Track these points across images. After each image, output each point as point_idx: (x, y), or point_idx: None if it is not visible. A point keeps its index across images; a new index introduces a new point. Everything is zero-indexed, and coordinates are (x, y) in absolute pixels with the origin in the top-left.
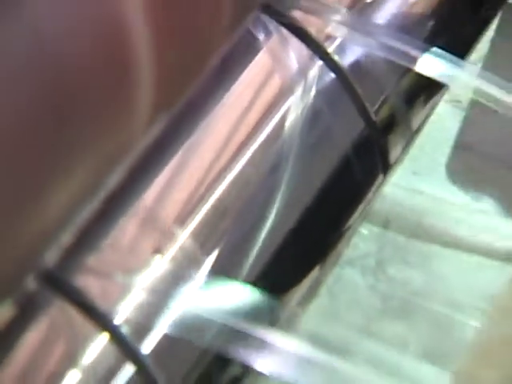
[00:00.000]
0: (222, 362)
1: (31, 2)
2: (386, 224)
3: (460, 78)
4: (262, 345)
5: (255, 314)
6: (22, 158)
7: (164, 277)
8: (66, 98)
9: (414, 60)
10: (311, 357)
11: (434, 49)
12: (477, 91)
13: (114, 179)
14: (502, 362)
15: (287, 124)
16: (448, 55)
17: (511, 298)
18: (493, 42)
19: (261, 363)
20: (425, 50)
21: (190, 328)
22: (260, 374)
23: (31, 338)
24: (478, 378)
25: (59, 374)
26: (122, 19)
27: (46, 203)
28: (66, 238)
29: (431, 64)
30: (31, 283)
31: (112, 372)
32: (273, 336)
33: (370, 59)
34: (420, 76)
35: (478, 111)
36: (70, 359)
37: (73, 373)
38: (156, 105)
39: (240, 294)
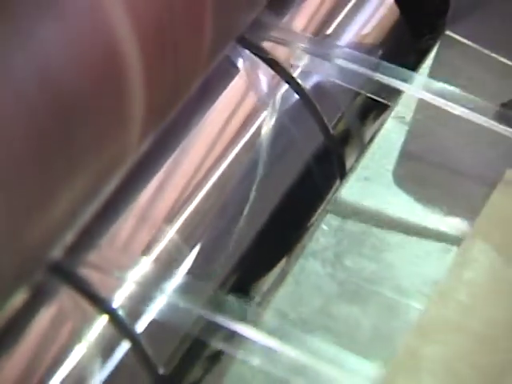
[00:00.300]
0: (201, 342)
1: (39, 33)
2: (343, 221)
3: (407, 91)
4: (232, 332)
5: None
6: (35, 167)
7: (154, 268)
8: (70, 116)
9: (366, 82)
10: (274, 345)
11: (384, 70)
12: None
13: (111, 185)
14: (441, 339)
15: (259, 137)
16: (395, 73)
17: (450, 284)
18: (431, 68)
19: (232, 348)
20: (376, 72)
21: (175, 313)
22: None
23: (43, 319)
24: (420, 354)
25: (66, 349)
26: (117, 46)
27: (54, 206)
28: (72, 235)
29: (380, 83)
30: (42, 274)
31: (111, 348)
32: (240, 326)
33: (328, 82)
34: (371, 97)
35: (419, 125)
36: (76, 337)
37: (78, 348)
38: (147, 121)
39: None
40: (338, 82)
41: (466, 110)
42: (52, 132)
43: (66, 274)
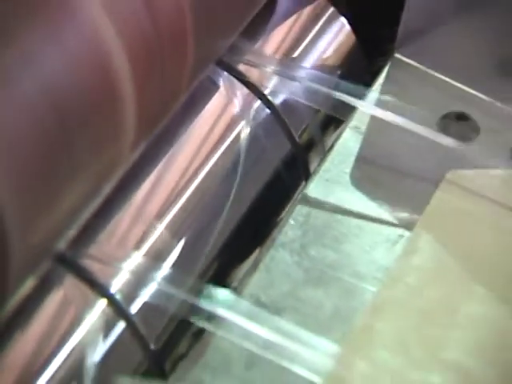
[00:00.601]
0: (186, 321)
1: (42, 55)
2: (307, 216)
3: (361, 107)
4: (213, 314)
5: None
6: (42, 171)
7: (146, 259)
8: (70, 127)
9: (326, 98)
10: (248, 324)
11: (342, 88)
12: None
13: (108, 187)
14: (392, 316)
15: (236, 145)
16: (351, 91)
17: (399, 269)
18: (382, 86)
19: (213, 326)
20: (335, 90)
21: (163, 297)
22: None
23: (50, 302)
24: (374, 329)
25: (71, 328)
26: (111, 66)
27: (59, 205)
28: (74, 230)
29: (339, 100)
30: (49, 263)
31: (109, 327)
32: (219, 308)
33: (295, 99)
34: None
35: (372, 135)
36: (78, 318)
37: (81, 328)
38: (138, 131)
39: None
40: (303, 98)
41: (411, 122)
42: (55, 141)
43: (69, 263)
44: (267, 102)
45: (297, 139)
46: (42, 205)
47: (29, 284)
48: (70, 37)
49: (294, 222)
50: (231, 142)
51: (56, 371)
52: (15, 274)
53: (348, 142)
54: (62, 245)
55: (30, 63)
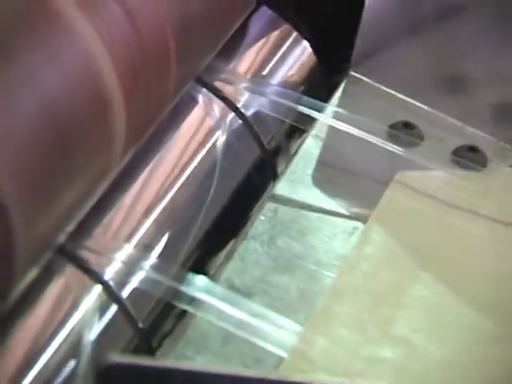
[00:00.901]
0: (171, 304)
1: (41, 73)
2: (275, 212)
3: (321, 119)
4: (193, 297)
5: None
6: (43, 176)
7: (135, 251)
8: (67, 137)
9: (291, 111)
10: (223, 306)
11: (304, 102)
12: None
13: (102, 189)
14: (349, 299)
15: (213, 151)
16: (312, 104)
17: (354, 257)
18: (339, 100)
19: (193, 308)
20: (298, 104)
21: (151, 284)
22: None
23: (52, 288)
24: (333, 310)
25: (70, 311)
26: (103, 85)
27: (59, 204)
28: (73, 226)
29: (301, 113)
30: (51, 254)
31: (104, 309)
32: (199, 292)
33: (264, 111)
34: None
35: (330, 142)
36: (77, 302)
37: (79, 310)
38: (127, 141)
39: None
40: (271, 111)
41: (363, 132)
42: (53, 148)
43: (69, 254)
44: (240, 115)
45: (266, 146)
46: (43, 204)
47: (33, 272)
48: (66, 57)
49: (263, 218)
50: (209, 148)
51: (58, 348)
52: (21, 264)
53: (310, 148)
54: (62, 238)
55: (31, 80)
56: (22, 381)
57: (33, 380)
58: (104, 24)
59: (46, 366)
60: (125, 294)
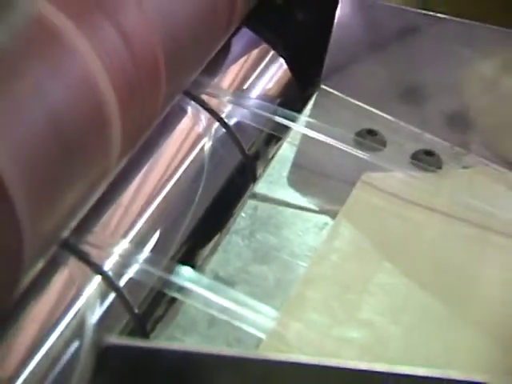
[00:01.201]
0: (162, 292)
1: (47, 87)
2: (255, 210)
3: (294, 127)
4: (182, 286)
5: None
6: (48, 178)
7: (131, 245)
8: (70, 145)
9: (268, 121)
10: (208, 293)
11: (280, 113)
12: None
13: (100, 190)
14: (320, 286)
15: (201, 156)
16: (287, 115)
17: (325, 249)
18: (311, 111)
19: (182, 296)
20: (275, 114)
21: (145, 274)
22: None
23: (57, 279)
24: (305, 297)
25: (73, 299)
26: (102, 98)
27: (63, 204)
28: (75, 223)
29: (278, 122)
30: (56, 248)
31: (103, 296)
32: (187, 282)
33: (245, 121)
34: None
35: (304, 147)
36: (79, 290)
37: (81, 298)
38: (122, 147)
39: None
40: (251, 121)
41: (332, 139)
42: (58, 155)
43: (72, 248)
44: (224, 124)
45: (246, 151)
46: (48, 204)
47: (40, 264)
48: (68, 73)
49: (244, 214)
50: (196, 154)
51: (63, 330)
52: (29, 258)
53: (285, 153)
54: (66, 234)
55: (38, 94)
56: (32, 358)
57: (42, 358)
58: (101, 44)
59: (53, 346)
60: (122, 283)
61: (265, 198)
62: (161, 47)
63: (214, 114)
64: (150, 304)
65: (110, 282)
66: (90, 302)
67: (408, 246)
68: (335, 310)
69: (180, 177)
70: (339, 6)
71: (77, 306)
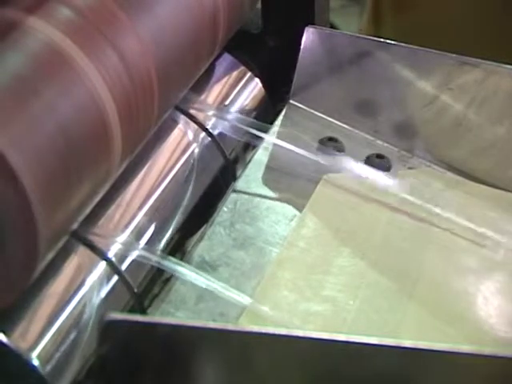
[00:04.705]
0: (158, 273)
1: (58, 104)
2: (235, 204)
3: (266, 137)
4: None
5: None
6: (58, 179)
7: (131, 236)
8: (77, 151)
9: (246, 131)
10: (196, 275)
11: (255, 125)
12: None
13: (104, 190)
14: (290, 267)
15: (191, 159)
16: (261, 126)
17: (293, 237)
18: (282, 122)
19: (174, 276)
20: (251, 126)
21: (143, 259)
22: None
23: (67, 264)
24: (277, 277)
25: (82, 282)
26: (104, 112)
27: (72, 201)
28: (83, 216)
29: (252, 133)
30: (67, 238)
31: (108, 279)
32: (178, 266)
33: (226, 132)
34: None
35: (275, 152)
36: (87, 274)
37: (88, 281)
38: (122, 154)
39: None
40: (231, 132)
41: (299, 146)
42: (67, 161)
43: (80, 238)
44: (209, 134)
45: (228, 156)
46: (59, 201)
47: (52, 252)
48: (76, 92)
49: (226, 208)
50: (186, 158)
51: (73, 309)
52: (43, 247)
53: (260, 157)
54: (75, 226)
55: (50, 110)
56: (48, 331)
57: (56, 331)
58: (104, 67)
59: (65, 320)
60: (123, 267)
61: (243, 195)
62: (154, 70)
63: (201, 126)
64: (147, 284)
65: (113, 267)
66: (96, 284)
67: (363, 234)
68: (302, 288)
69: (172, 178)
70: (304, 34)
71: (85, 287)
